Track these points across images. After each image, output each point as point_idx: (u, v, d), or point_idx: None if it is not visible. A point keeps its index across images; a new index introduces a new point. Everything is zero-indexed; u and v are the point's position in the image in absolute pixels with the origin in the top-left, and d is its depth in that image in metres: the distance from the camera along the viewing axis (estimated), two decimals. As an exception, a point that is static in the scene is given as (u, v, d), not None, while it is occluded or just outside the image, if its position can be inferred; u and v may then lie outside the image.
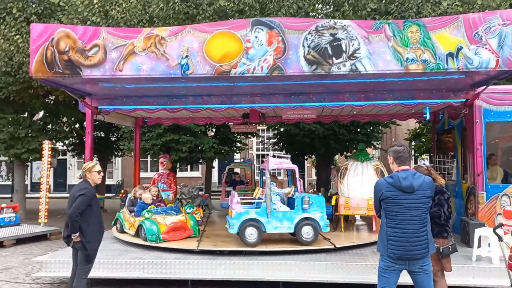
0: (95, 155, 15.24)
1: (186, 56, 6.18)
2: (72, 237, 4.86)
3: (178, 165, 15.20)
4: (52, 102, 14.25)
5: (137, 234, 7.58)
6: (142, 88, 7.36)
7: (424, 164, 7.80)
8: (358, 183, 8.01)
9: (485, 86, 7.05)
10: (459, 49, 6.02)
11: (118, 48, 6.30)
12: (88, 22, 9.91)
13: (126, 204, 8.46)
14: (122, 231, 8.12)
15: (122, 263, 6.42)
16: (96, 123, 10.02)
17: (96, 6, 9.91)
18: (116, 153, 17.52)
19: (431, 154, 11.02)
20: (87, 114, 8.16)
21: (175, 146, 12.44)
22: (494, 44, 6.00)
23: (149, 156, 14.82)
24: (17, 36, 10.89)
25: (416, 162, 25.23)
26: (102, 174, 5.21)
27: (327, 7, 10.90)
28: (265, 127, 21.00)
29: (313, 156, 16.03)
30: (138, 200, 8.18)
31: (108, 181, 26.79)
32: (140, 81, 6.66)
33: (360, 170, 8.13)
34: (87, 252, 4.92)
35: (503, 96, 7.63)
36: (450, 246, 4.84)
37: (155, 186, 8.98)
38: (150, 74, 6.30)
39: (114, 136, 16.90)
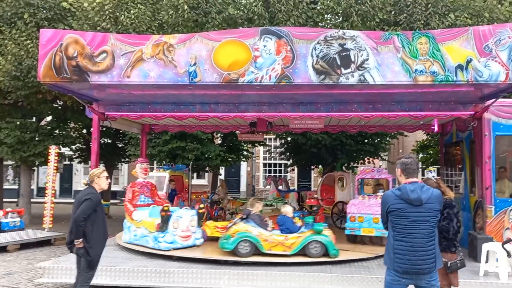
0: (101, 161, 15.29)
1: (194, 64, 6.20)
2: (75, 243, 4.83)
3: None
4: (60, 107, 14.34)
5: (301, 252, 6.81)
6: (150, 95, 7.39)
7: (433, 176, 7.70)
8: None
9: (494, 99, 7.00)
10: (469, 61, 5.99)
11: (126, 54, 6.34)
12: (98, 28, 9.99)
13: (255, 220, 7.05)
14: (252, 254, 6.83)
15: (125, 271, 6.38)
16: (103, 129, 10.05)
17: (107, 12, 10.00)
18: (122, 159, 17.55)
19: (439, 167, 10.90)
20: (93, 120, 8.18)
21: (181, 154, 12.44)
22: (504, 57, 5.96)
23: (155, 162, 14.81)
24: (28, 41, 11.00)
25: (423, 174, 25.08)
26: (109, 180, 5.21)
27: (336, 17, 10.92)
28: (273, 136, 20.98)
29: (320, 166, 15.96)
30: (282, 215, 7.20)
31: (114, 187, 26.83)
32: (147, 88, 6.69)
33: None
34: (89, 258, 4.87)
35: (513, 109, 7.55)
36: (458, 261, 4.76)
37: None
38: (158, 81, 6.32)
39: (121, 143, 16.94)
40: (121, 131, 15.15)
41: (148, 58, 6.30)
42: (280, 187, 12.62)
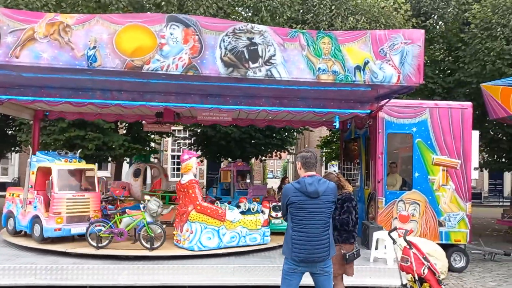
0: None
1: (94, 47, 5.77)
2: None
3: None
4: None
5: None
6: (43, 78, 6.72)
7: (334, 171, 8.14)
8: None
9: (387, 99, 7.56)
10: (366, 63, 6.37)
11: (15, 32, 5.70)
12: (-16, 1, 8.90)
13: None
14: None
15: (10, 269, 5.82)
16: (-11, 113, 9.00)
17: (-6, -16, 8.95)
18: (12, 148, 15.93)
19: (339, 161, 11.59)
20: (-25, 104, 7.29)
21: (80, 143, 11.61)
22: (397, 60, 6.43)
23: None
24: None
25: (326, 168, 26.55)
26: None
27: (247, 10, 11.00)
28: (181, 128, 20.61)
29: (229, 159, 16.08)
30: None
31: (2, 178, 24.42)
32: (40, 70, 6.08)
33: None
34: None
35: (403, 109, 8.27)
36: (355, 252, 5.04)
37: None
38: (52, 63, 5.78)
39: (11, 129, 15.34)
40: (10, 117, 13.72)
41: (41, 38, 5.72)
42: None
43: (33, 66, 5.86)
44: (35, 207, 6.97)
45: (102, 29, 5.80)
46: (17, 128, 13.74)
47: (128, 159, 15.04)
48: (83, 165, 7.48)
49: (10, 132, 15.48)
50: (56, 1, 9.25)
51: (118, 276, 5.96)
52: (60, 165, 7.03)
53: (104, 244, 6.58)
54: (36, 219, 6.92)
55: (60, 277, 5.87)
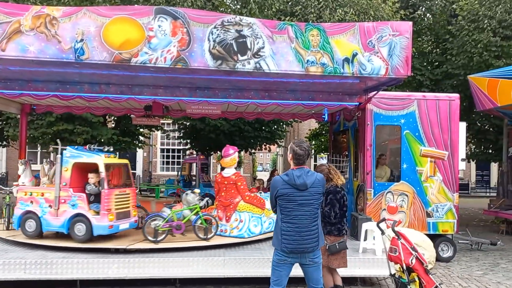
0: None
1: (81, 40, 5.71)
2: None
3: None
4: None
5: None
6: (30, 72, 6.65)
7: (327, 163, 8.17)
8: None
9: (376, 91, 7.61)
10: (354, 55, 6.40)
11: (1, 25, 5.64)
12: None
13: None
14: None
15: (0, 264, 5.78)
16: (-26, 107, 8.86)
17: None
18: (0, 142, 15.73)
19: (328, 153, 11.67)
20: (-40, 97, 7.18)
21: (68, 137, 11.51)
22: (385, 52, 6.47)
23: (39, 146, 13.51)
24: None
25: (315, 160, 26.69)
26: None
27: (235, 2, 10.95)
28: (170, 121, 20.53)
29: (219, 152, 16.09)
30: None
31: (-10, 173, 24.12)
32: (26, 63, 6.01)
33: None
34: None
35: (391, 101, 8.33)
36: (337, 244, 5.09)
37: None
38: (39, 56, 5.72)
39: (-3, 123, 15.13)
40: (-3, 110, 13.53)
41: (27, 30, 5.66)
42: None
43: (20, 59, 5.80)
44: (73, 205, 6.55)
45: (90, 22, 5.74)
46: (4, 122, 13.56)
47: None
48: (123, 160, 7.31)
49: (-4, 126, 15.27)
50: (42, -7, 9.12)
51: (108, 269, 5.95)
52: (107, 161, 6.73)
53: (161, 238, 6.61)
54: (77, 217, 6.53)
55: (50, 272, 5.84)
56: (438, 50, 13.94)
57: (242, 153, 20.71)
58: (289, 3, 10.62)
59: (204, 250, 6.59)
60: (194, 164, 14.50)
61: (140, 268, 6.02)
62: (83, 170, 6.72)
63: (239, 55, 6.13)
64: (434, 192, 8.26)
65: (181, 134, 16.67)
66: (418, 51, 13.61)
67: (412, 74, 9.91)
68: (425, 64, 13.43)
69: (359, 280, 6.66)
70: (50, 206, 6.64)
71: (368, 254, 6.66)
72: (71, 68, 6.25)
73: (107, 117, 13.23)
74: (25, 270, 5.82)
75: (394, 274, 5.29)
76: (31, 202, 6.82)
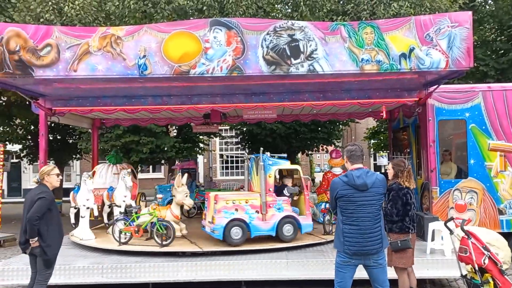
0: (51, 158, 14.70)
1: (144, 56, 6.09)
2: (31, 242, 4.72)
3: (139, 167, 14.92)
4: (4, 103, 13.62)
5: None
6: (99, 89, 7.18)
7: (408, 162, 8.00)
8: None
9: (436, 85, 7.35)
10: (411, 50, 6.24)
11: (72, 47, 6.13)
12: (41, 20, 9.54)
13: None
14: None
15: (80, 269, 6.24)
16: (52, 124, 9.67)
17: (50, 3, 9.56)
18: (74, 155, 16.96)
19: (389, 151, 11.37)
20: (40, 115, 7.86)
21: (135, 148, 12.19)
22: (444, 45, 6.25)
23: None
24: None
25: (375, 159, 26.01)
26: (60, 177, 5.10)
27: (286, 7, 11.02)
28: (228, 127, 20.97)
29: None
30: None
31: (66, 185, 25.85)
32: (96, 81, 6.50)
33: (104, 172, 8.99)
34: (47, 257, 4.79)
35: (454, 95, 7.99)
36: (399, 242, 4.96)
37: None
38: (106, 74, 6.17)
39: (72, 138, 16.34)
40: (71, 126, 14.63)
41: (95, 51, 6.12)
42: None
43: (90, 78, 6.27)
44: (279, 209, 7.05)
45: (151, 38, 6.10)
46: (77, 137, 14.62)
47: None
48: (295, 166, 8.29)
49: (71, 141, 16.50)
50: (105, 14, 9.75)
51: (178, 273, 6.24)
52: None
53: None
54: (284, 219, 7.00)
55: (124, 275, 6.22)
56: (503, 37, 13.11)
57: (299, 154, 20.69)
58: (340, 2, 10.50)
59: (268, 252, 6.69)
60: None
61: (206, 271, 6.24)
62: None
63: (292, 59, 6.21)
64: (506, 187, 7.81)
65: (239, 140, 16.98)
66: (481, 40, 12.89)
67: (475, 65, 9.42)
68: (489, 53, 12.68)
69: (428, 282, 6.44)
70: (257, 211, 7.00)
71: (437, 255, 6.43)
72: (135, 83, 6.67)
73: (169, 126, 13.84)
74: (102, 274, 6.23)
75: (466, 275, 5.07)
76: (236, 210, 6.93)
